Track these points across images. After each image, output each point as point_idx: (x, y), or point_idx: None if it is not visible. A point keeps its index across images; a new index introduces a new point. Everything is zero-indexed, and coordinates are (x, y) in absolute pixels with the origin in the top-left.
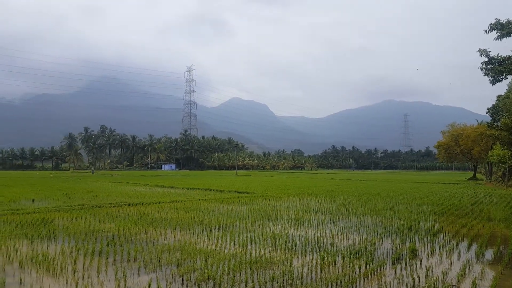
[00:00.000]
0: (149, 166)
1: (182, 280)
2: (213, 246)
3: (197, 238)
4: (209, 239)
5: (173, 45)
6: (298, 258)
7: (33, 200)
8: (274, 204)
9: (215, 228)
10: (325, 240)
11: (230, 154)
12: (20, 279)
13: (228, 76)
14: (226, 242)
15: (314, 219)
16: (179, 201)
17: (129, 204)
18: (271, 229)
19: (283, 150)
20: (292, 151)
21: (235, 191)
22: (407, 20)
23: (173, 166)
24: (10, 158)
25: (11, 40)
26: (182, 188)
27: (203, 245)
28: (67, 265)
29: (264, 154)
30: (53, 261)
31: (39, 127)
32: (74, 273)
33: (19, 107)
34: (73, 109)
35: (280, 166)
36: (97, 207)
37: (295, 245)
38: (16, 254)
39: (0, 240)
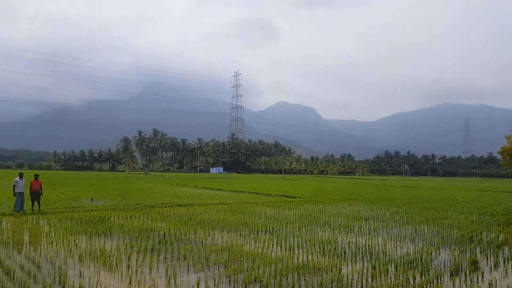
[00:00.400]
0: (198, 169)
1: (230, 280)
2: (260, 249)
3: (244, 240)
4: (256, 242)
5: (222, 50)
6: (347, 265)
7: (91, 199)
8: (322, 209)
9: (261, 231)
10: (376, 248)
11: (276, 158)
12: (80, 272)
13: (276, 80)
14: (272, 245)
15: (365, 226)
16: (226, 204)
17: (179, 205)
18: (319, 234)
19: (332, 154)
20: (341, 156)
21: (282, 195)
22: (464, 20)
23: (221, 169)
24: (71, 160)
25: (71, 49)
26: (230, 191)
27: (249, 247)
28: (121, 261)
29: (312, 158)
30: (109, 256)
31: (97, 131)
32: (128, 269)
33: (79, 112)
34: (127, 114)
35: (328, 171)
36: (149, 207)
37: (345, 252)
38: (76, 248)
39: (63, 235)
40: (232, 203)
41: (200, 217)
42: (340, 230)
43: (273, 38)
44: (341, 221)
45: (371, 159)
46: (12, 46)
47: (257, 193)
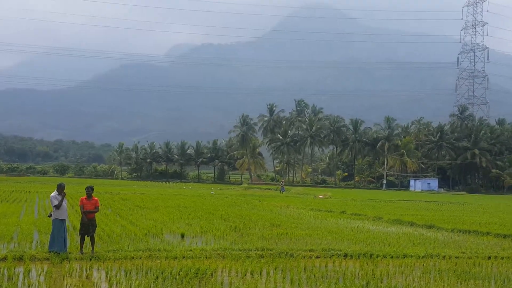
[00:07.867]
0: (383, 181)
1: None
2: None
3: None
4: None
5: None
6: None
7: (182, 235)
8: None
9: None
10: None
11: None
12: None
13: None
14: None
15: None
16: (443, 257)
17: (344, 255)
18: None
19: None
20: None
21: None
22: None
23: (434, 182)
24: (147, 160)
25: None
26: (450, 231)
27: None
28: None
29: None
30: None
31: (192, 106)
32: None
33: (165, 69)
34: (251, 68)
35: None
36: (287, 255)
37: None
38: None
39: None
40: (457, 257)
41: (388, 283)
42: None
43: None
44: None
45: None
46: None
47: None
